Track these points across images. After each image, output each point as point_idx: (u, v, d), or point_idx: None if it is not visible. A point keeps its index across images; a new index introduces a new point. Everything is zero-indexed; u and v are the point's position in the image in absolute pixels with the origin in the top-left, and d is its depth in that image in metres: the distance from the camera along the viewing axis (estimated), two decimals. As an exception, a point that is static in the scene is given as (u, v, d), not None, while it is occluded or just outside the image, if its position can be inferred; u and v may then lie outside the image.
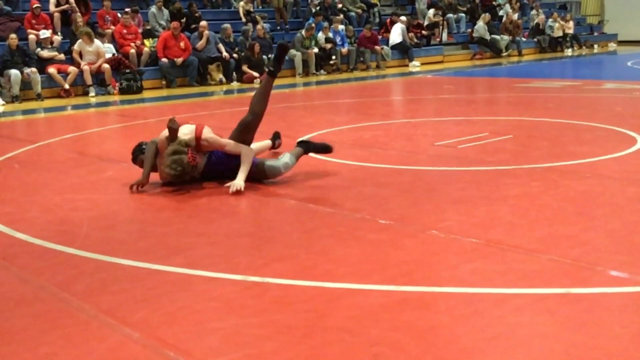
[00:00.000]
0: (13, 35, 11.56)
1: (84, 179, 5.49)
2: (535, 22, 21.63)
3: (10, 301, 3.05)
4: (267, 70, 4.98)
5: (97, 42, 12.48)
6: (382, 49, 16.72)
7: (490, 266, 3.26)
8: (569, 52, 20.95)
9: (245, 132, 5.06)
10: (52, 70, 11.91)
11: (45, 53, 12.06)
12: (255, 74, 13.76)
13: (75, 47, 12.36)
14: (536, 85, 11.96)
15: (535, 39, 21.24)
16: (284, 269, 3.30)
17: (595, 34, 24.30)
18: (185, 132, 4.97)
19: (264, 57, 14.27)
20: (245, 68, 13.88)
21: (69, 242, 3.81)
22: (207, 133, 5.00)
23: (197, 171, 4.95)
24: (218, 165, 5.05)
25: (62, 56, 12.30)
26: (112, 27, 13.51)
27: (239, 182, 4.78)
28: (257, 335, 2.61)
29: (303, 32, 15.22)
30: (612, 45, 23.29)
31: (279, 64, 5.23)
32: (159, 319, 2.79)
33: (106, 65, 12.29)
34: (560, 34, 21.21)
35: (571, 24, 21.61)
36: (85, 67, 12.11)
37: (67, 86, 11.92)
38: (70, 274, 3.35)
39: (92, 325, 2.76)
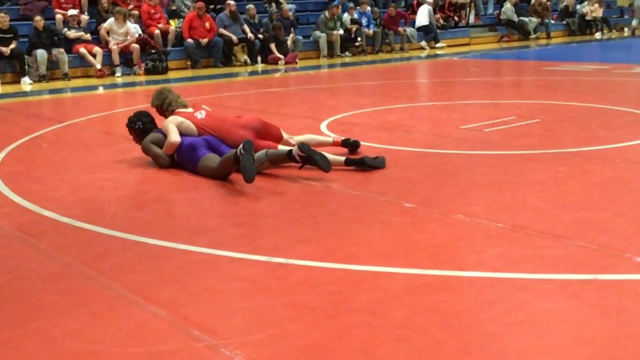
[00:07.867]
0: (38, 18, 11.63)
1: (111, 159, 5.53)
2: (564, 4, 21.25)
3: (38, 278, 3.10)
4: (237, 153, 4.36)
5: (128, 23, 12.54)
6: (404, 30, 16.57)
7: (516, 251, 3.24)
8: (598, 35, 20.59)
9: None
10: (82, 50, 12.00)
11: (72, 33, 12.14)
12: (280, 55, 13.74)
13: (105, 25, 12.41)
14: (565, 69, 11.78)
15: (564, 22, 20.89)
16: (309, 251, 3.31)
17: (626, 16, 23.83)
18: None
19: (288, 37, 14.23)
20: (272, 47, 13.84)
21: (96, 221, 3.85)
22: (171, 119, 5.06)
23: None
24: (184, 153, 4.94)
25: (88, 36, 12.38)
26: (137, 9, 13.50)
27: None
28: (281, 316, 2.63)
29: (326, 12, 15.13)
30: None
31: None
32: (185, 298, 2.82)
33: (135, 45, 12.34)
34: (591, 17, 20.82)
35: (597, 7, 21.14)
36: (114, 47, 12.17)
37: (99, 66, 11.99)
38: (98, 252, 3.40)
39: (119, 302, 2.80)
